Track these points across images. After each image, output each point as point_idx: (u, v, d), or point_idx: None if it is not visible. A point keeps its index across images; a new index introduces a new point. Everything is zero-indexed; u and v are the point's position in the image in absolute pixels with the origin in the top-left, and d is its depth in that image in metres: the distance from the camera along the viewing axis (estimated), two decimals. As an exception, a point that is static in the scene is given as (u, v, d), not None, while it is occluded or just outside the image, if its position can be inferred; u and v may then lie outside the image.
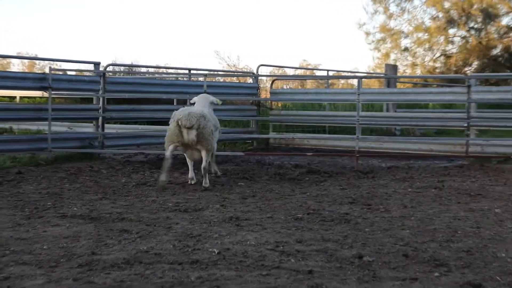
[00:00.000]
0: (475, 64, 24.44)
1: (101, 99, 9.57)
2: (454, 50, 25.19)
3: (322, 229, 4.85)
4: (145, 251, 4.08)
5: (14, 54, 32.09)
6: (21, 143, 9.00)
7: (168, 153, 6.75)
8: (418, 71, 25.75)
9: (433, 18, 25.16)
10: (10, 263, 3.79)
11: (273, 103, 12.63)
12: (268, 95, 12.25)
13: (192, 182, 7.04)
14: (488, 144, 9.59)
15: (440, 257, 4.03)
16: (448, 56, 25.10)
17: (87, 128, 11.66)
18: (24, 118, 9.48)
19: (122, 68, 16.95)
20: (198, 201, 6.10)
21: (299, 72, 25.29)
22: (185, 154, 7.07)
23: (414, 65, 26.17)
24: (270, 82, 12.95)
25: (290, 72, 25.33)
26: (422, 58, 26.11)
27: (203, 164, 6.76)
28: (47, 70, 9.18)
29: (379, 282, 3.52)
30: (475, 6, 23.68)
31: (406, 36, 26.12)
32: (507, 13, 23.72)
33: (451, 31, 25.19)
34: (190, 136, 6.62)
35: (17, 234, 4.55)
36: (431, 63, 25.87)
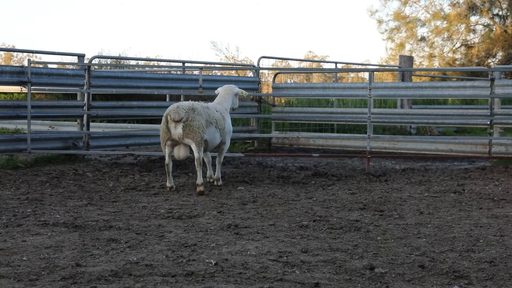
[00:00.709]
0: (499, 55, 24.46)
1: (86, 95, 9.59)
2: (476, 40, 25.22)
3: (329, 237, 4.87)
4: (135, 262, 4.10)
5: (-11, 45, 32.19)
6: (-2, 144, 9.01)
7: (166, 157, 6.96)
8: (436, 63, 25.77)
9: (453, 5, 25.19)
10: (-13, 276, 3.81)
11: (275, 99, 12.65)
12: (270, 90, 12.27)
13: (172, 190, 7.00)
14: (513, 143, 9.60)
15: (460, 268, 4.05)
16: (469, 47, 25.12)
17: (71, 127, 11.69)
18: (1, 116, 9.48)
19: (109, 61, 16.98)
20: (193, 207, 6.12)
21: (304, 64, 25.35)
22: (173, 154, 7.07)
23: (431, 56, 26.20)
24: (273, 76, 12.98)
25: (294, 64, 25.40)
26: (441, 48, 26.14)
27: (195, 155, 6.81)
28: (25, 63, 9.22)
29: (392, 295, 3.55)
30: (499, -9, 23.73)
31: (423, 25, 26.15)
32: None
33: (473, 18, 25.24)
34: (177, 130, 6.72)
35: (-6, 244, 4.57)
36: (450, 54, 25.90)
